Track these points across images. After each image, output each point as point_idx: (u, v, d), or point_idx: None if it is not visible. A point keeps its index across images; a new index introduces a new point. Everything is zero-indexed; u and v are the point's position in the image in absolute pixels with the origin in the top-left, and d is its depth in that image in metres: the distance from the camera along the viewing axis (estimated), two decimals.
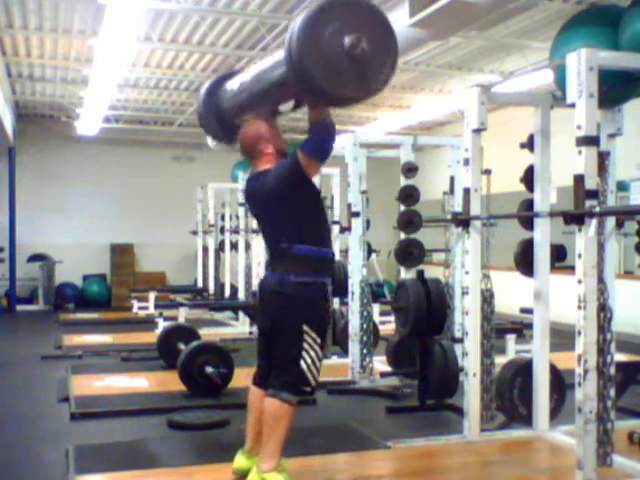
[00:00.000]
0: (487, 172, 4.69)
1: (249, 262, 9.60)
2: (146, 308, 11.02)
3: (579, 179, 3.25)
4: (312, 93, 3.04)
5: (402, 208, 5.99)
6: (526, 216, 4.36)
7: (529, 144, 4.37)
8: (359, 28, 2.89)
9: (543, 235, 4.27)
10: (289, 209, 3.28)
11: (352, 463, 3.92)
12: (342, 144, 5.90)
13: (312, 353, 3.22)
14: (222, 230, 11.50)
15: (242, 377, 5.76)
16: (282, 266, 3.29)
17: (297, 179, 3.22)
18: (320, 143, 3.19)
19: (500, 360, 4.60)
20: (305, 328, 3.21)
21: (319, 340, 3.25)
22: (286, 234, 3.29)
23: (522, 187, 4.45)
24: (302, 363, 3.20)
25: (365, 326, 5.87)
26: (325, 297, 3.31)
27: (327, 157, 3.22)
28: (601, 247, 3.66)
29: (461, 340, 5.05)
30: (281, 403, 3.18)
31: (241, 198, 9.09)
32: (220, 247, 11.65)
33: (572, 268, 3.33)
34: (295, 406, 3.21)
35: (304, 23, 2.84)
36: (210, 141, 11.49)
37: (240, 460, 3.44)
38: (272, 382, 3.27)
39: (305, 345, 3.21)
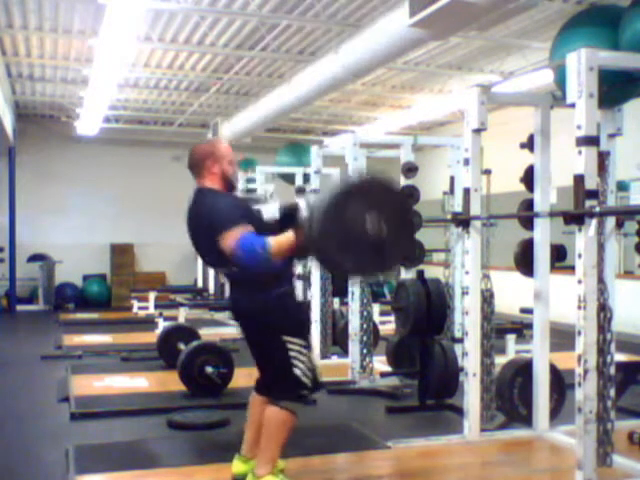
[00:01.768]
0: (487, 172, 4.70)
1: None
2: (146, 308, 11.03)
3: (579, 179, 3.25)
4: (326, 265, 3.12)
5: None
6: (526, 216, 4.36)
7: (529, 144, 4.37)
8: (379, 209, 2.93)
9: (543, 235, 4.27)
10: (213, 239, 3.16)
11: (352, 463, 3.92)
12: (342, 144, 5.90)
13: (302, 357, 3.20)
14: None
15: (242, 377, 5.77)
16: (241, 288, 3.28)
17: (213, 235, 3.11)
18: (249, 256, 2.97)
19: (500, 360, 4.60)
20: (285, 338, 3.18)
21: (303, 342, 3.23)
22: (217, 258, 3.19)
23: (522, 187, 4.45)
24: (296, 370, 3.19)
25: (365, 326, 5.87)
26: (286, 306, 3.26)
27: (236, 261, 3.04)
28: (601, 247, 3.66)
29: (461, 340, 5.05)
30: (281, 411, 3.19)
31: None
32: None
33: (572, 268, 3.33)
34: (295, 414, 3.21)
35: (327, 203, 2.89)
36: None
37: (237, 465, 3.46)
38: (272, 391, 3.29)
39: (292, 353, 3.18)
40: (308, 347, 3.27)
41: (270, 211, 3.38)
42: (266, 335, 3.24)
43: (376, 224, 2.90)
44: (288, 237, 2.98)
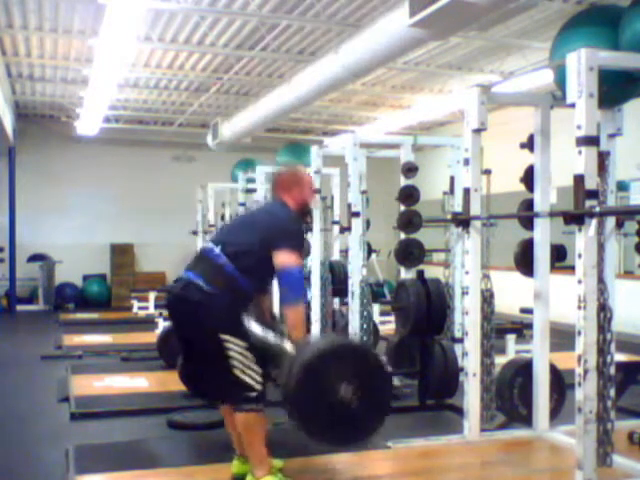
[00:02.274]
0: (487, 172, 4.69)
1: None
2: (146, 308, 11.03)
3: (579, 179, 3.25)
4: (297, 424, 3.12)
5: (402, 208, 5.99)
6: (526, 216, 4.36)
7: (529, 144, 4.37)
8: (353, 377, 3.02)
9: (543, 235, 4.27)
10: (257, 250, 3.29)
11: (352, 463, 3.91)
12: (342, 144, 5.90)
13: (241, 358, 3.16)
14: None
15: None
16: (200, 270, 3.28)
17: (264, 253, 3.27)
18: (292, 285, 3.24)
19: (500, 360, 4.60)
20: (223, 337, 3.15)
21: (244, 344, 3.18)
22: (237, 255, 3.27)
23: (522, 187, 4.44)
24: (235, 371, 3.16)
25: (365, 326, 5.86)
26: (235, 309, 3.25)
27: (278, 280, 3.29)
28: (601, 247, 3.65)
29: (461, 340, 5.05)
30: (246, 414, 3.20)
31: (241, 198, 9.09)
32: None
33: (572, 268, 3.32)
34: (260, 412, 3.21)
35: (303, 368, 2.99)
36: (210, 140, 11.52)
37: (237, 465, 3.50)
38: (224, 399, 3.34)
39: (231, 353, 3.15)
40: (249, 349, 3.19)
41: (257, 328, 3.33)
42: (203, 333, 3.22)
43: (349, 393, 2.98)
44: (299, 332, 3.20)
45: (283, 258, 3.19)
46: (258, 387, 3.19)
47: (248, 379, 3.17)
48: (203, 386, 3.49)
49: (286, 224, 3.35)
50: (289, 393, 3.02)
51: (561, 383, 4.39)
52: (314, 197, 3.60)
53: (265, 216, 3.48)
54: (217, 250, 3.29)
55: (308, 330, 3.66)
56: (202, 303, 3.19)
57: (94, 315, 11.39)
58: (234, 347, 3.15)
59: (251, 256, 3.26)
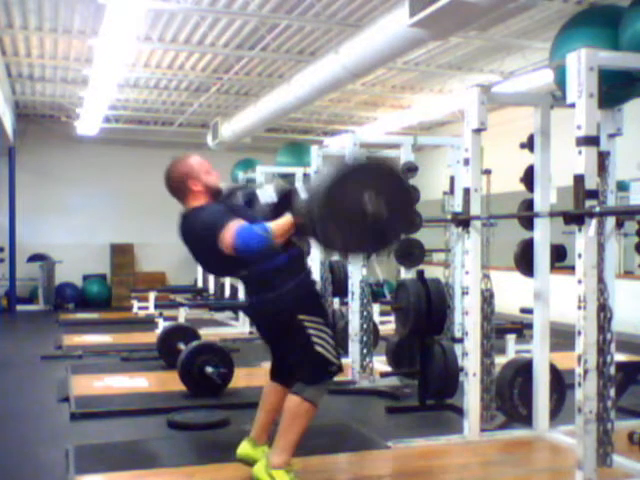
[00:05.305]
0: (487, 172, 4.70)
1: None
2: (146, 308, 11.02)
3: (579, 179, 3.25)
4: (325, 245, 3.10)
5: None
6: (526, 216, 4.36)
7: (529, 144, 4.37)
8: (376, 189, 2.94)
9: (543, 235, 4.27)
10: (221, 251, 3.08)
11: (352, 463, 3.92)
12: (342, 144, 5.90)
13: (322, 334, 3.21)
14: None
15: (242, 377, 5.79)
16: (253, 289, 3.32)
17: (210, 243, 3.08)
18: (251, 242, 2.94)
19: (500, 360, 4.60)
20: (301, 317, 3.19)
21: (322, 320, 3.24)
22: (236, 265, 3.22)
23: (522, 187, 4.44)
24: (317, 347, 3.18)
25: (365, 326, 5.87)
26: (307, 290, 3.30)
27: (241, 252, 3.01)
28: (601, 247, 3.66)
29: (461, 340, 5.05)
30: (302, 401, 3.16)
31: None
32: None
33: (572, 268, 3.33)
34: (316, 406, 3.19)
35: (327, 183, 2.92)
36: (210, 140, 11.51)
37: (245, 447, 3.44)
38: (298, 378, 3.24)
39: (311, 331, 3.19)
40: (327, 325, 3.27)
41: (267, 194, 3.38)
42: (284, 319, 3.23)
43: (374, 204, 2.90)
44: (287, 219, 3.00)
45: (224, 242, 2.95)
46: (337, 361, 3.23)
47: (328, 355, 3.20)
48: (286, 374, 3.43)
49: (200, 226, 3.17)
50: (314, 216, 2.91)
51: (561, 383, 4.39)
52: (213, 175, 3.41)
53: (191, 239, 3.28)
54: (242, 272, 3.30)
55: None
56: (273, 302, 3.23)
57: (94, 315, 11.38)
58: (313, 325, 3.19)
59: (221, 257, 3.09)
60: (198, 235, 3.20)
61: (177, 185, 3.38)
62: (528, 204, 4.38)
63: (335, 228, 2.92)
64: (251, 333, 8.46)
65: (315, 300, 3.36)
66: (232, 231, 2.94)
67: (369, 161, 3.15)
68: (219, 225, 3.00)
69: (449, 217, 5.39)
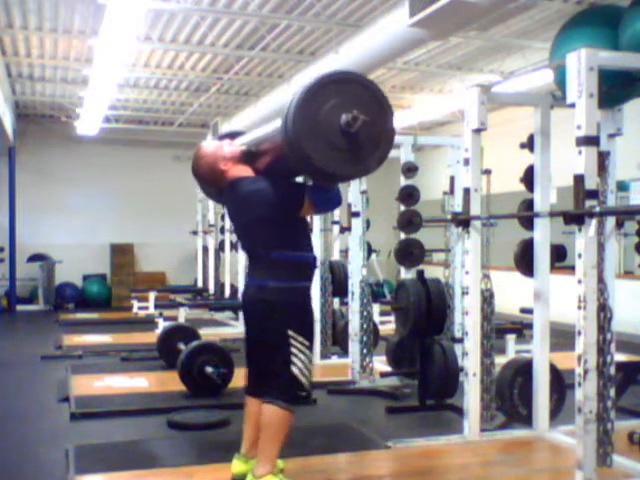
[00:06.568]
0: (487, 172, 4.69)
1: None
2: (146, 308, 11.02)
3: (579, 179, 3.25)
4: (307, 170, 3.11)
5: (402, 208, 5.99)
6: (526, 216, 4.36)
7: (529, 144, 4.37)
8: (356, 105, 2.94)
9: (543, 235, 4.27)
10: (268, 220, 3.23)
11: (352, 463, 3.92)
12: None
13: (302, 357, 3.19)
14: (222, 230, 11.49)
15: (242, 377, 5.76)
16: (260, 273, 3.28)
17: (290, 211, 3.22)
18: (329, 199, 3.27)
19: (500, 360, 4.60)
20: (290, 333, 3.17)
21: (307, 343, 3.21)
22: (262, 241, 3.25)
23: (522, 187, 4.45)
24: (293, 368, 3.17)
25: (365, 326, 5.87)
26: (306, 301, 3.29)
27: (325, 212, 3.27)
28: (601, 247, 3.65)
29: (461, 340, 5.05)
30: (278, 409, 3.17)
31: None
32: (220, 247, 11.64)
33: (572, 268, 3.33)
34: (292, 412, 3.20)
35: (300, 100, 2.90)
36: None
37: (237, 464, 3.45)
38: (268, 389, 3.25)
39: (293, 350, 3.17)
40: (310, 349, 3.25)
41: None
42: (274, 325, 3.21)
43: (353, 122, 2.89)
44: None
45: (306, 211, 3.26)
46: (309, 388, 3.22)
47: (303, 379, 3.18)
48: (255, 382, 3.44)
49: (265, 194, 3.22)
50: (290, 132, 2.89)
51: (561, 383, 4.39)
52: (228, 145, 3.41)
53: (245, 197, 3.29)
54: (259, 251, 3.28)
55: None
56: (272, 301, 3.21)
57: (94, 315, 11.38)
58: (297, 345, 3.17)
59: (271, 225, 3.21)
60: (255, 208, 3.22)
61: (212, 176, 3.40)
62: (528, 204, 4.38)
63: (312, 143, 2.88)
64: None
65: (308, 317, 3.32)
66: (309, 202, 3.19)
67: (336, 74, 3.07)
68: (292, 198, 3.21)
69: (449, 217, 5.40)
